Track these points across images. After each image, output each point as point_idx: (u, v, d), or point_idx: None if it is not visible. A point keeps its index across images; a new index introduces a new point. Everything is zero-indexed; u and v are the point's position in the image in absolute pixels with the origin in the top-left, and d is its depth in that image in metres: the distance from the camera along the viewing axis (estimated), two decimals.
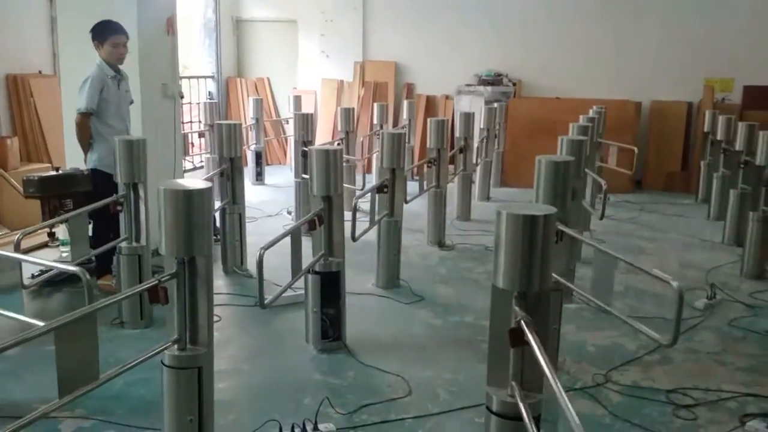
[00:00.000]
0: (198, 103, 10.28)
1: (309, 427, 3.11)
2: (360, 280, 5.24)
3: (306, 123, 6.96)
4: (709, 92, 9.52)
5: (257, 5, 11.70)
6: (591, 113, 7.77)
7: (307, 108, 10.24)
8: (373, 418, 3.34)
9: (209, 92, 11.24)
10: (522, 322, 2.22)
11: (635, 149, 7.77)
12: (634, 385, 3.70)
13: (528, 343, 2.20)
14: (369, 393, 3.58)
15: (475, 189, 8.32)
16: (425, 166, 6.63)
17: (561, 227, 3.58)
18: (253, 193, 8.57)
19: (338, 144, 7.85)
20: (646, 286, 5.24)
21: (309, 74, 11.50)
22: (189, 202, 2.56)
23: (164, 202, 2.57)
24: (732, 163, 6.77)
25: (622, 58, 10.16)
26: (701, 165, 8.74)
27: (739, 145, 6.54)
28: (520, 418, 2.33)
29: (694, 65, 9.80)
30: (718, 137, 7.75)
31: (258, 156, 9.70)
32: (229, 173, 5.44)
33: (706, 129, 8.67)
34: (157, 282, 2.58)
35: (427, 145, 6.40)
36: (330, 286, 4.05)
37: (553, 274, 3.49)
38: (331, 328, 4.08)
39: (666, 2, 9.92)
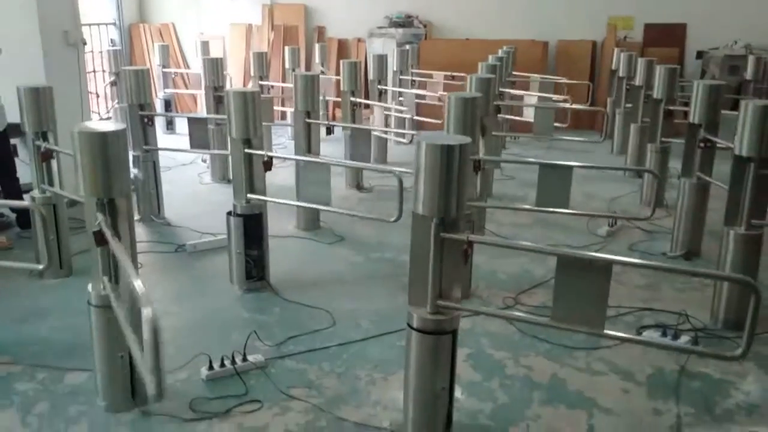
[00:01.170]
0: (100, 52, 9.81)
1: (238, 359, 3.20)
2: (281, 222, 5.29)
3: (216, 68, 6.81)
4: (612, 31, 9.89)
5: None
6: (500, 53, 7.96)
7: (215, 53, 9.96)
8: (300, 348, 3.47)
9: (111, 40, 10.72)
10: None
11: (590, 84, 7.99)
12: (542, 305, 3.97)
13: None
14: (295, 326, 3.70)
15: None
16: (342, 109, 6.66)
17: (481, 157, 3.77)
18: (165, 143, 8.35)
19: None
20: (555, 217, 5.54)
21: (216, 19, 11.14)
22: (104, 143, 2.54)
23: (80, 144, 2.54)
24: (634, 99, 7.13)
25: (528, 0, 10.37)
26: (607, 102, 9.15)
27: (639, 80, 6.89)
28: (439, 332, 2.52)
29: (597, 5, 10.12)
30: (621, 74, 8.11)
31: (167, 104, 9.42)
32: (140, 121, 5.30)
33: (613, 67, 9.04)
34: (99, 227, 2.56)
35: (341, 88, 6.42)
36: (252, 228, 4.09)
37: (470, 203, 3.72)
38: (255, 269, 4.14)
39: None
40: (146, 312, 1.83)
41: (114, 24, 10.81)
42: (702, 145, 4.33)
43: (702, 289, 4.18)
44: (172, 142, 8.76)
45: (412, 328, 2.57)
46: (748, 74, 7.52)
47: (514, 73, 8.75)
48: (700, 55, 9.53)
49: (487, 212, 5.35)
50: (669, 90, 5.55)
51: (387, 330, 3.65)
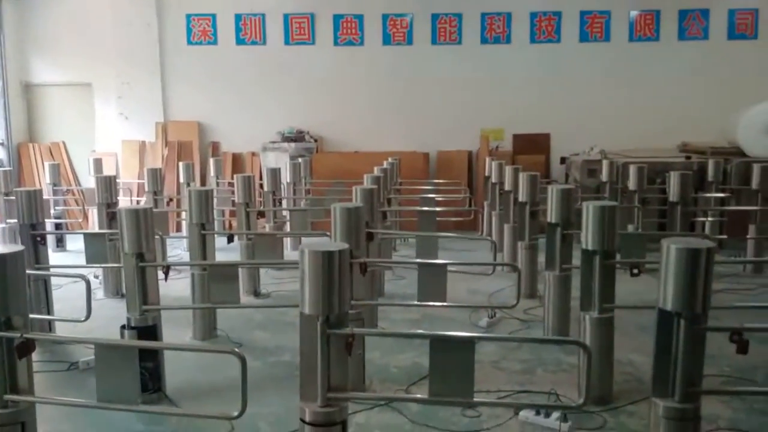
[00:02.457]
0: None
1: None
2: (177, 333, 5.35)
3: (109, 185, 6.94)
4: (485, 141, 10.86)
5: (48, 70, 11.35)
6: (385, 164, 8.56)
7: (107, 170, 10.05)
8: None
9: None
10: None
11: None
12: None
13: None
14: None
15: (288, 239, 8.70)
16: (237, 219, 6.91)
17: (365, 260, 4.11)
18: (55, 261, 8.22)
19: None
20: (441, 312, 5.92)
21: (108, 137, 11.31)
22: (3, 265, 2.66)
23: None
24: (506, 202, 7.82)
25: (410, 114, 11.27)
26: (484, 205, 9.89)
27: (508, 185, 7.60)
28: (329, 424, 2.73)
29: (470, 118, 11.15)
30: (493, 180, 8.88)
31: (57, 223, 9.32)
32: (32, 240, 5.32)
33: (486, 174, 9.86)
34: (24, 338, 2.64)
35: (236, 200, 6.70)
36: (147, 340, 4.17)
37: (358, 302, 4.02)
38: (150, 381, 4.19)
39: (442, 64, 11.20)
40: None
41: (2, 144, 10.70)
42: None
43: (570, 371, 4.61)
44: (63, 260, 8.64)
45: (304, 422, 2.77)
46: (604, 176, 8.47)
47: (400, 180, 9.39)
48: (563, 160, 10.62)
49: (380, 311, 5.68)
50: (532, 194, 6.23)
51: (285, 431, 3.78)
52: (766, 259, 6.74)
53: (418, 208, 7.21)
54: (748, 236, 7.31)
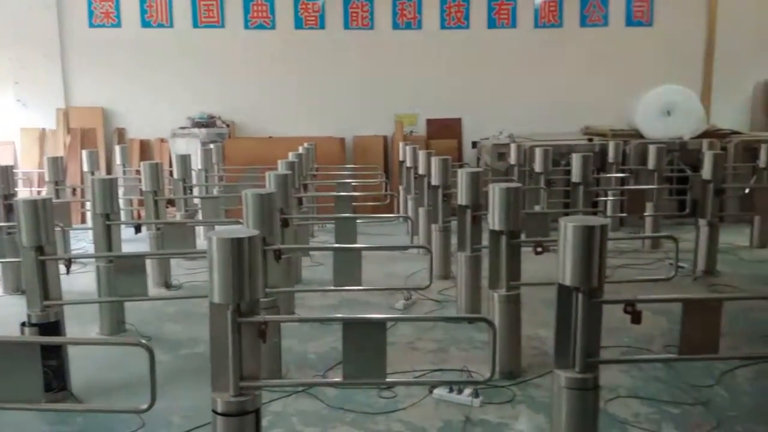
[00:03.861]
0: None
1: None
2: (84, 329, 5.17)
3: (6, 175, 6.58)
4: (399, 127, 10.96)
5: None
6: (300, 149, 8.51)
7: (5, 160, 9.50)
8: None
9: None
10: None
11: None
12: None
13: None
14: None
15: (201, 228, 8.50)
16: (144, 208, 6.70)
17: (279, 246, 4.09)
18: None
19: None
20: (358, 296, 5.97)
21: (4, 124, 10.68)
22: None
23: None
24: (420, 186, 7.94)
25: (325, 99, 11.23)
26: (400, 189, 10.00)
27: (421, 170, 7.71)
28: (242, 413, 2.72)
29: (385, 104, 11.22)
30: (408, 165, 8.99)
31: None
32: None
33: (400, 158, 9.95)
34: None
35: (143, 188, 6.49)
36: (42, 337, 4.00)
37: (273, 289, 4.00)
38: (54, 379, 4.03)
39: (355, 49, 11.20)
40: None
41: None
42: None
43: (483, 348, 4.77)
44: None
45: (216, 413, 2.74)
46: (512, 159, 8.73)
47: (316, 166, 9.35)
48: (474, 144, 10.88)
49: (298, 298, 5.68)
50: (444, 177, 6.35)
51: (200, 423, 3.73)
52: (660, 235, 7.13)
53: (335, 193, 7.22)
54: (646, 213, 7.72)
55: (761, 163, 8.20)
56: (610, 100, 10.85)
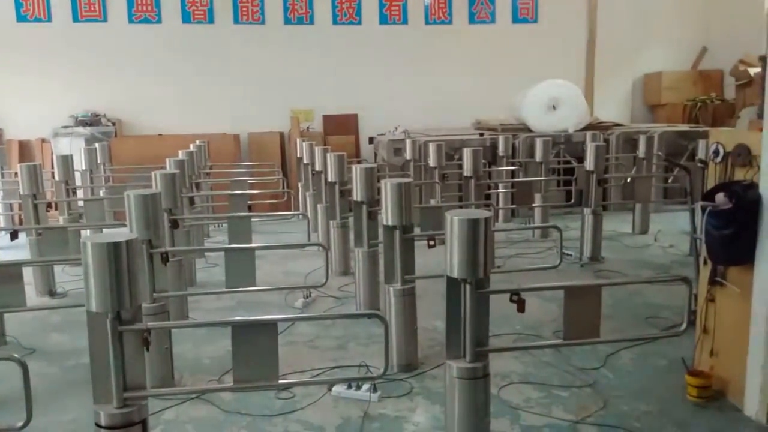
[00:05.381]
0: None
1: None
2: None
3: None
4: (296, 122, 10.85)
5: None
6: (192, 147, 8.25)
7: None
8: None
9: None
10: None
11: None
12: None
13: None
14: None
15: (87, 232, 8.09)
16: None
17: (167, 249, 3.94)
18: None
19: None
20: (257, 296, 5.87)
21: None
22: None
23: None
24: (317, 182, 7.89)
25: (217, 96, 10.96)
26: (299, 186, 9.91)
27: (318, 166, 7.67)
28: (127, 425, 2.61)
29: (279, 99, 11.08)
30: (305, 161, 8.92)
31: None
32: None
33: (298, 155, 9.85)
34: None
35: (21, 192, 6.09)
36: None
37: (161, 294, 3.85)
38: None
39: (246, 44, 10.99)
40: None
41: None
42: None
43: (382, 342, 4.79)
44: None
45: (99, 426, 2.61)
46: (408, 154, 8.84)
47: (210, 164, 9.11)
48: (371, 140, 10.95)
49: (191, 301, 5.50)
50: (340, 173, 6.35)
51: None
52: (549, 225, 7.43)
53: (229, 192, 7.06)
54: (534, 204, 8.03)
55: (641, 154, 8.72)
56: (500, 95, 11.20)
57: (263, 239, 8.68)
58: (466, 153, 6.97)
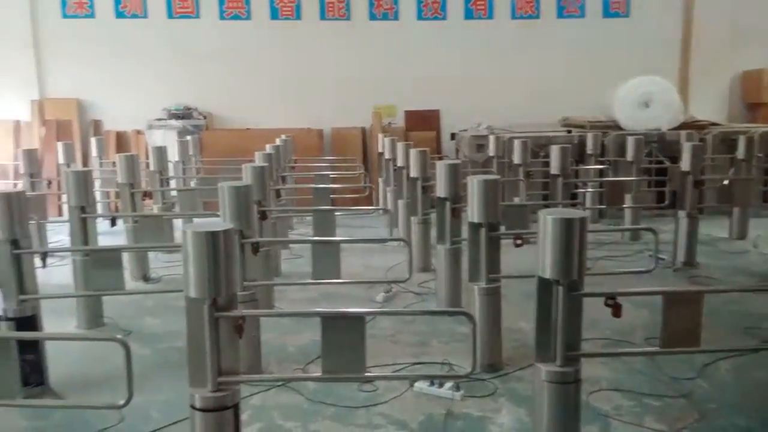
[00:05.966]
0: None
1: None
2: (62, 323, 5.08)
3: None
4: (378, 118, 10.91)
5: None
6: (278, 141, 8.43)
7: None
8: None
9: None
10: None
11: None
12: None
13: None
14: (80, 428, 3.61)
15: (179, 221, 8.40)
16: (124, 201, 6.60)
17: (257, 240, 4.05)
18: None
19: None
20: (338, 289, 5.94)
21: None
22: None
23: None
24: (399, 178, 7.92)
25: (303, 91, 11.12)
26: (379, 182, 9.97)
27: (400, 161, 7.69)
28: (221, 408, 2.69)
29: (363, 95, 11.15)
30: (387, 157, 8.96)
31: None
32: None
33: (379, 150, 9.92)
34: None
35: (119, 180, 6.39)
36: (16, 332, 3.93)
37: (251, 283, 3.96)
38: (32, 374, 3.96)
39: (332, 40, 11.12)
40: None
41: None
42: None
43: (463, 341, 4.76)
44: None
45: (195, 408, 2.70)
46: (491, 151, 8.73)
47: (295, 158, 9.29)
48: (453, 136, 10.87)
49: (276, 291, 5.63)
50: (422, 169, 6.33)
51: (178, 418, 3.68)
52: (639, 227, 7.19)
53: (313, 185, 7.17)
54: (625, 205, 7.77)
55: (739, 155, 8.29)
56: (588, 91, 10.88)
57: (344, 233, 8.77)
58: (554, 150, 6.82)
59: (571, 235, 2.73)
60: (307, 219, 9.21)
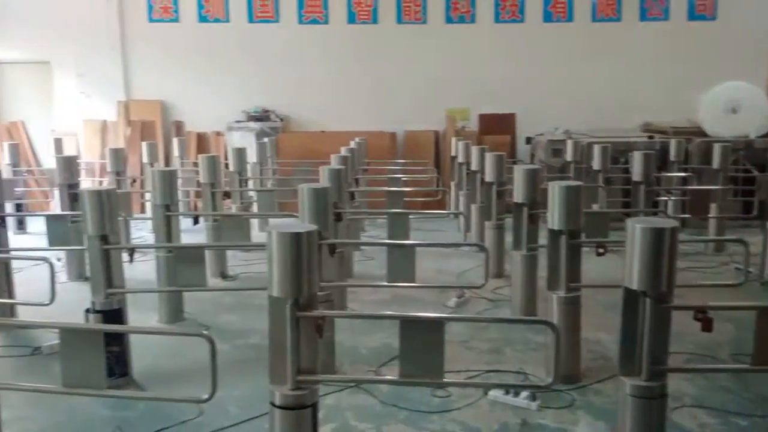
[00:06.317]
0: None
1: None
2: (143, 316, 5.27)
3: (70, 166, 6.77)
4: (451, 121, 10.86)
5: (3, 47, 10.94)
6: (352, 144, 8.51)
7: (69, 150, 9.81)
8: None
9: None
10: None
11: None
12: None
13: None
14: (161, 419, 3.72)
15: (254, 220, 8.61)
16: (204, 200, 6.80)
17: (333, 241, 4.09)
18: (16, 244, 8.01)
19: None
20: (410, 293, 5.94)
21: (68, 116, 11.00)
22: None
23: None
24: (472, 182, 7.86)
25: (376, 94, 11.19)
26: (451, 185, 9.92)
27: (474, 166, 7.63)
28: (300, 407, 2.72)
29: (436, 98, 11.12)
30: (460, 160, 8.90)
31: (18, 204, 9.08)
32: None
33: (452, 154, 9.87)
34: None
35: (201, 180, 6.59)
36: (112, 324, 4.10)
37: (326, 283, 4.00)
38: (117, 366, 4.12)
39: (407, 44, 11.14)
40: None
41: None
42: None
43: (539, 350, 4.66)
44: (24, 242, 8.43)
45: (274, 405, 2.75)
46: (568, 156, 8.54)
47: (367, 161, 9.36)
48: (528, 140, 10.70)
49: (350, 292, 5.67)
50: (498, 174, 6.26)
51: (255, 414, 3.76)
52: (728, 238, 6.88)
53: (386, 188, 7.20)
54: (710, 215, 7.45)
55: None
56: (671, 96, 10.54)
57: (416, 236, 8.72)
58: (636, 156, 6.61)
59: (661, 246, 2.64)
60: (378, 221, 9.25)
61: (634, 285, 2.70)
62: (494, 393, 3.94)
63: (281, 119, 10.94)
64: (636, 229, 2.67)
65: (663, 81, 10.88)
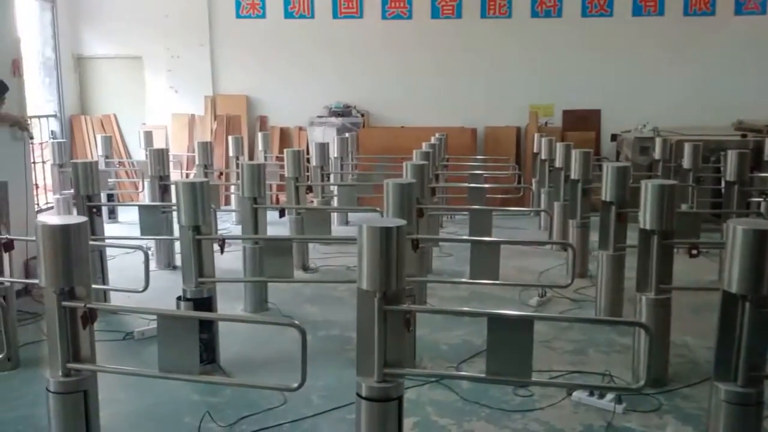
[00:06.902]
0: (41, 143, 9.92)
1: None
2: (229, 305, 5.45)
3: (161, 158, 7.05)
4: (534, 117, 10.68)
5: (99, 43, 11.51)
6: (433, 140, 8.50)
7: (157, 143, 10.22)
8: (253, 427, 3.62)
9: (52, 131, 10.86)
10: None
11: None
12: (482, 372, 4.23)
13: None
14: (247, 406, 3.84)
15: (334, 214, 8.75)
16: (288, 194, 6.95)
17: (417, 236, 4.11)
18: (108, 232, 8.42)
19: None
20: (490, 290, 5.89)
21: (158, 110, 11.48)
22: (66, 236, 2.71)
23: (43, 237, 2.70)
24: (556, 179, 7.71)
25: (457, 89, 11.13)
26: (532, 182, 9.76)
27: (558, 162, 7.48)
28: (386, 399, 2.75)
29: (519, 94, 10.96)
30: (543, 157, 8.74)
31: (109, 194, 9.54)
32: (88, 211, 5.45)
33: (535, 150, 9.70)
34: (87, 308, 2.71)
35: (286, 174, 6.74)
36: (202, 312, 4.26)
37: (409, 278, 4.02)
38: (205, 352, 4.28)
39: (490, 38, 11.02)
40: None
41: (55, 116, 10.98)
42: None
43: (624, 352, 4.55)
44: (115, 231, 8.85)
45: (360, 397, 2.79)
46: (657, 154, 8.25)
47: (447, 156, 9.33)
48: (614, 137, 10.38)
49: (428, 288, 5.68)
50: (584, 171, 6.12)
51: (336, 405, 3.83)
52: None
53: (467, 184, 7.15)
54: None
55: None
56: (766, 94, 10.00)
57: (496, 233, 8.64)
58: (730, 155, 6.31)
59: (763, 248, 2.53)
60: (456, 218, 9.22)
61: (734, 288, 2.60)
62: (578, 394, 3.87)
63: (362, 115, 11.05)
64: (737, 230, 2.57)
65: (758, 77, 10.38)
